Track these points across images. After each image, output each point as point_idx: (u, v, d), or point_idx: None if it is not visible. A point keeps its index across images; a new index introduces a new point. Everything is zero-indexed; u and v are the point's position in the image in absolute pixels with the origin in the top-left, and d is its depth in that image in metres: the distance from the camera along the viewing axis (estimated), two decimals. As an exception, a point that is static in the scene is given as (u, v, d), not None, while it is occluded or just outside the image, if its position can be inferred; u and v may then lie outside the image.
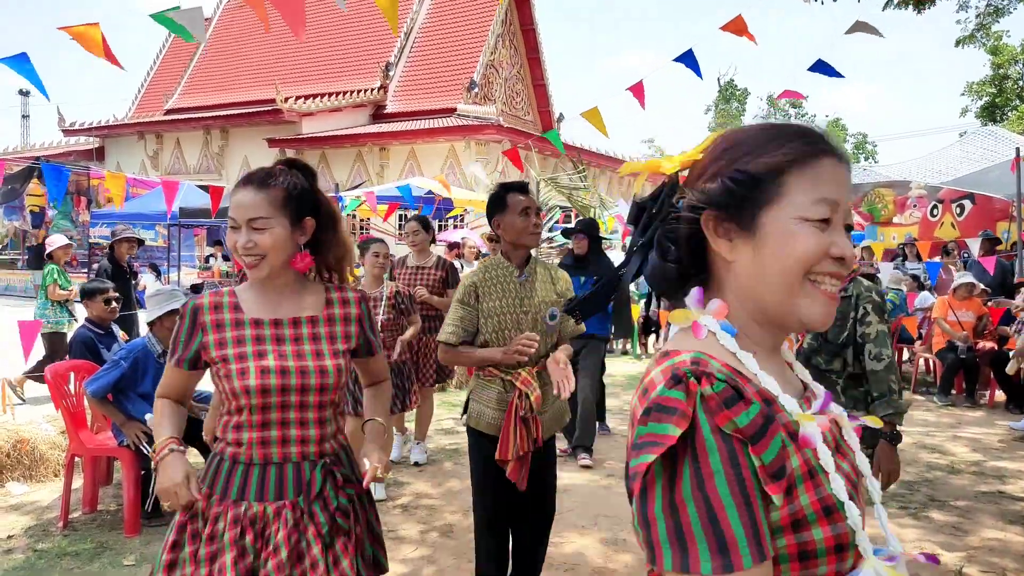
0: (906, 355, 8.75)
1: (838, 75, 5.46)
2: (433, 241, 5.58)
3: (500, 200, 2.89)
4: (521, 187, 2.94)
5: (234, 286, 1.89)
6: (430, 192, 13.06)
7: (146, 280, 13.45)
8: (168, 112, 25.26)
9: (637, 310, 9.27)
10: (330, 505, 1.76)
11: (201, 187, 7.59)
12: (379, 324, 4.09)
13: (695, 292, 0.95)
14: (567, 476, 5.03)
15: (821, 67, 5.47)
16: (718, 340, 0.91)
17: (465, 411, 2.93)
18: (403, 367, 4.65)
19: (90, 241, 17.71)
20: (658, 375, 0.87)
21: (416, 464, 5.16)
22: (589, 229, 5.78)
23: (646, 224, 0.96)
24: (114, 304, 4.81)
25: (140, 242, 7.72)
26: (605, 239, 5.98)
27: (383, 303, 4.54)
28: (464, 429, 5.63)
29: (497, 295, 2.85)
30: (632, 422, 0.89)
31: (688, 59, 5.64)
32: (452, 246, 11.67)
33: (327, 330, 1.84)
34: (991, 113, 28.54)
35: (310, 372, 1.76)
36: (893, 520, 4.27)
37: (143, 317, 4.39)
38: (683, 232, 0.92)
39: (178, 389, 1.88)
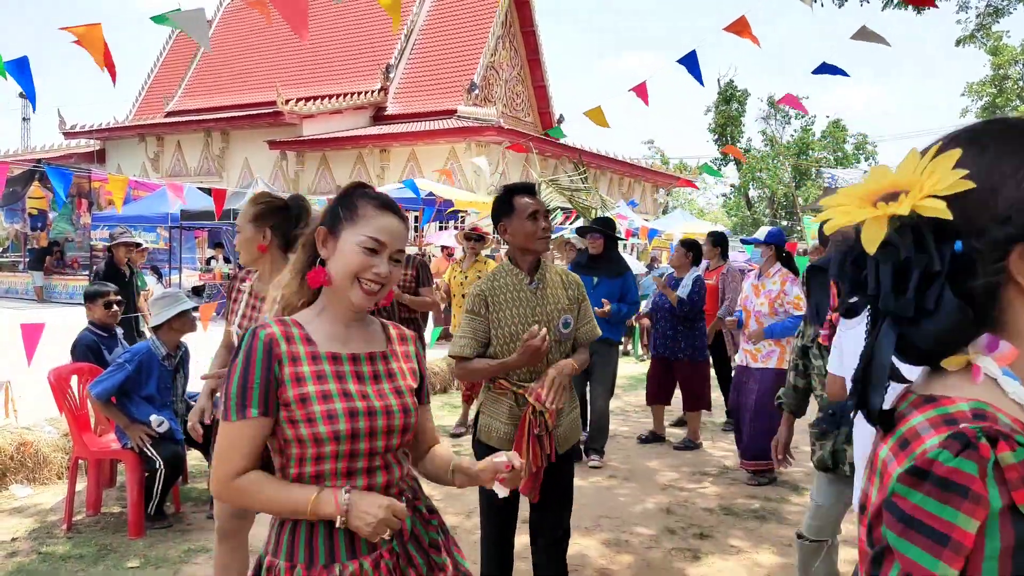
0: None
1: (843, 73, 5.46)
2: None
3: (506, 203, 2.73)
4: (528, 189, 2.77)
5: (294, 315, 1.64)
6: (431, 194, 13.09)
7: (152, 284, 13.45)
8: (169, 114, 25.29)
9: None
10: (423, 542, 1.65)
11: (203, 189, 7.62)
12: None
13: (984, 339, 0.76)
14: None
15: (826, 68, 5.49)
16: (1001, 388, 0.73)
17: (475, 425, 2.80)
18: None
19: (91, 244, 17.71)
20: (924, 426, 0.71)
21: None
22: (605, 228, 5.61)
23: (902, 282, 0.73)
24: (115, 308, 4.82)
25: (137, 245, 7.64)
26: (620, 238, 6.01)
27: None
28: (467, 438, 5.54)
29: (508, 304, 2.69)
30: (881, 473, 0.74)
31: (690, 61, 5.65)
32: (443, 248, 11.65)
33: (397, 366, 1.67)
34: (991, 113, 28.55)
35: (395, 412, 1.59)
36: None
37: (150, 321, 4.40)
38: (983, 280, 0.73)
39: (257, 449, 1.51)
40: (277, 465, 1.55)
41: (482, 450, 2.70)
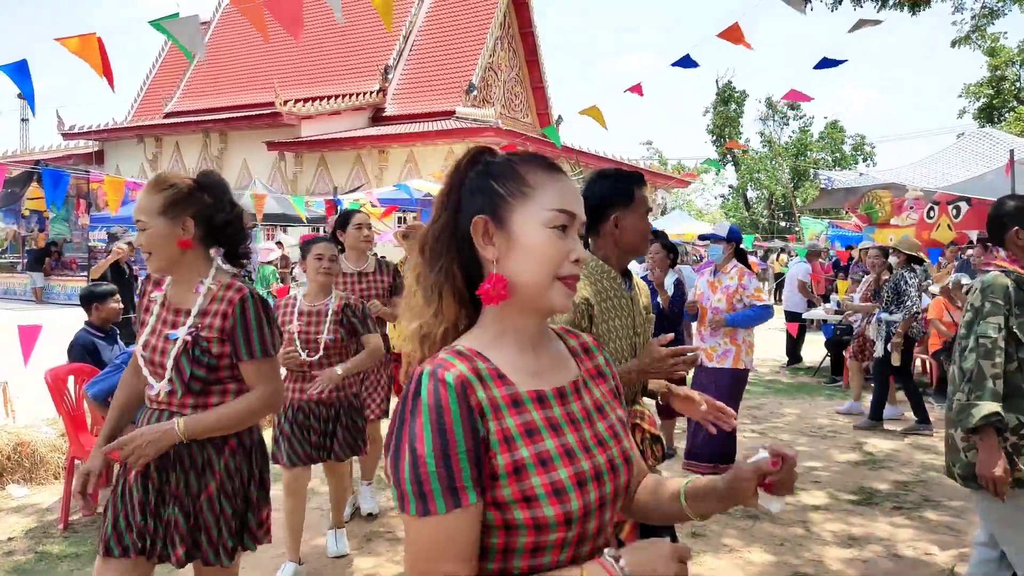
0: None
1: (842, 62, 5.44)
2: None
3: (625, 192, 2.25)
4: (643, 180, 2.34)
5: (459, 338, 1.16)
6: (428, 194, 13.11)
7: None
8: (167, 115, 25.31)
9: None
10: None
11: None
12: (322, 346, 3.46)
13: None
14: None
15: (826, 62, 5.50)
16: None
17: None
18: (355, 400, 3.66)
19: (89, 244, 17.73)
20: None
21: (369, 515, 4.25)
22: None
23: None
24: (117, 305, 4.84)
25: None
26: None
27: (328, 319, 3.51)
28: None
29: (614, 313, 2.24)
30: None
31: (685, 62, 5.70)
32: None
33: (600, 392, 1.23)
34: (988, 114, 28.60)
35: (619, 467, 1.15)
36: (887, 519, 4.31)
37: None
38: None
39: (476, 547, 1.03)
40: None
41: None
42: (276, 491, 3.45)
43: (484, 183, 1.15)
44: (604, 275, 2.26)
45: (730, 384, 4.77)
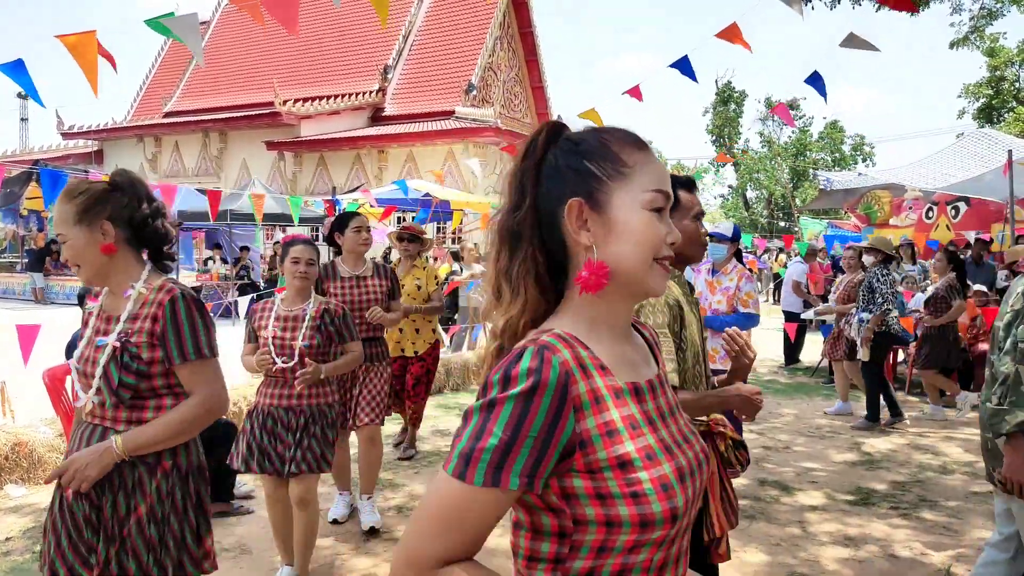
0: (901, 356, 8.79)
1: (824, 94, 5.53)
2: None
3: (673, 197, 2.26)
4: (691, 183, 2.27)
5: (552, 325, 1.07)
6: (427, 194, 13.12)
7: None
8: (167, 115, 25.31)
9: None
10: None
11: (200, 191, 7.65)
12: (297, 352, 3.31)
13: None
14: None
15: (816, 80, 5.55)
16: None
17: None
18: (328, 411, 3.42)
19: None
20: None
21: (372, 530, 4.04)
22: None
23: None
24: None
25: None
26: None
27: (305, 324, 3.37)
28: None
29: (689, 320, 2.18)
30: None
31: (683, 65, 5.70)
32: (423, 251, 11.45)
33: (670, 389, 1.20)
34: (988, 115, 28.61)
35: (703, 465, 1.12)
36: (884, 519, 4.31)
37: None
38: None
39: (488, 533, 1.00)
40: (547, 553, 1.02)
41: None
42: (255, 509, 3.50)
43: (575, 163, 1.07)
44: (676, 280, 2.22)
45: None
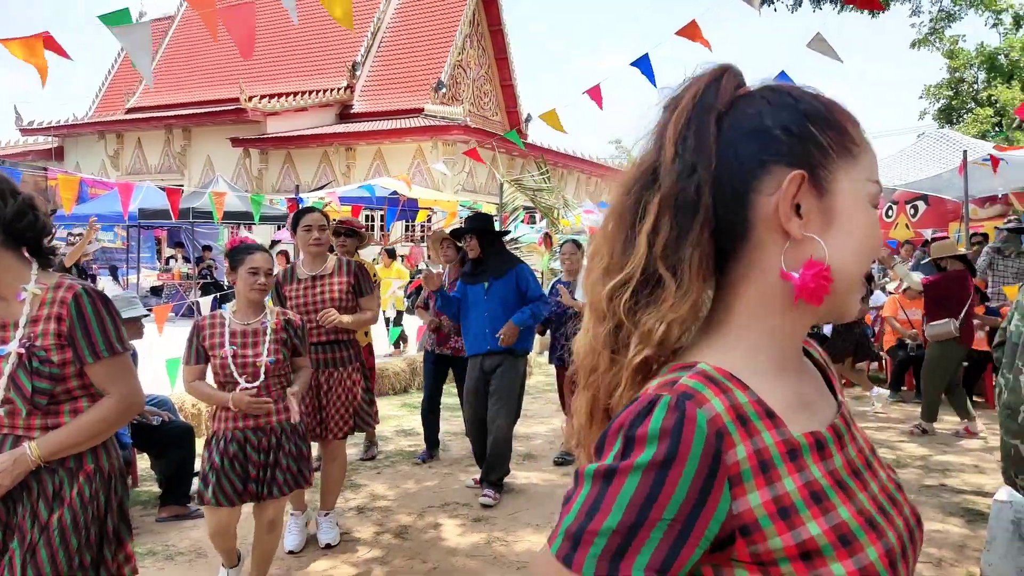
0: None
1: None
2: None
3: None
4: None
5: (691, 348, 0.81)
6: (395, 193, 13.04)
7: (104, 283, 13.22)
8: (129, 111, 24.85)
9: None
10: None
11: (160, 188, 7.52)
12: (262, 370, 3.06)
13: None
14: (522, 476, 5.08)
15: (783, 79, 5.64)
16: None
17: None
18: (298, 425, 3.21)
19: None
20: None
21: (328, 546, 3.83)
22: (477, 224, 4.78)
23: None
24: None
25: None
26: (507, 231, 5.22)
27: (266, 339, 3.09)
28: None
29: None
30: None
31: (644, 64, 5.74)
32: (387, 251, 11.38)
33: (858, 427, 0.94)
34: (948, 116, 29.24)
35: (916, 532, 0.83)
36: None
37: None
38: None
39: None
40: None
41: None
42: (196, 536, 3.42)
43: (794, 123, 0.78)
44: None
45: None
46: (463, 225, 5.03)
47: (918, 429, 6.32)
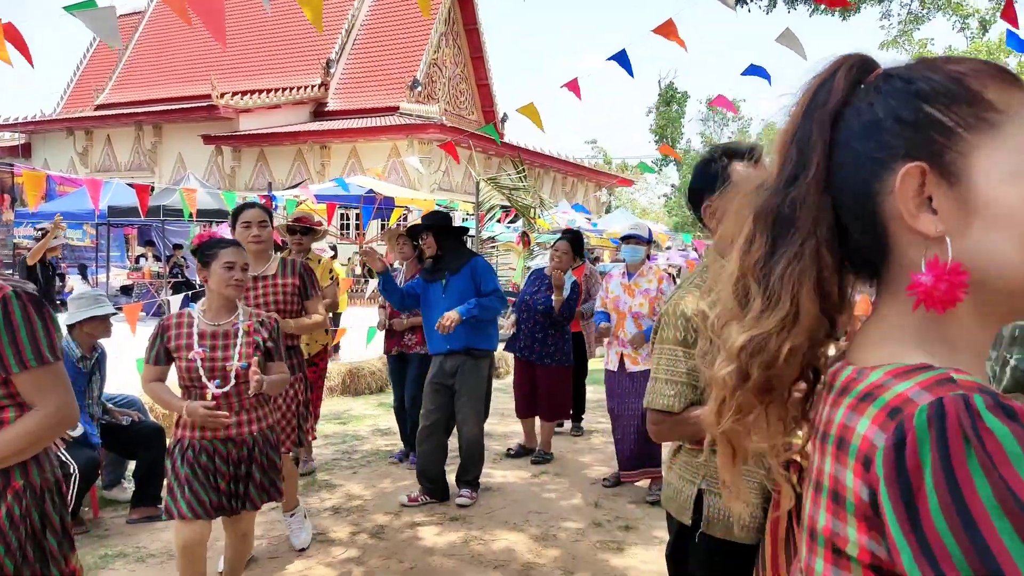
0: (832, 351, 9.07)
1: (766, 77, 5.67)
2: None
3: (717, 173, 1.77)
4: (751, 153, 1.80)
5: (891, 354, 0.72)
6: (371, 191, 12.96)
7: (73, 282, 12.97)
8: (98, 107, 24.43)
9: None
10: None
11: (129, 185, 7.39)
12: (232, 374, 2.82)
13: None
14: (499, 474, 5.07)
15: (754, 71, 5.68)
16: None
17: (698, 511, 1.74)
18: (270, 434, 3.00)
19: (14, 241, 16.97)
20: None
21: (301, 550, 3.75)
22: (433, 222, 4.64)
23: None
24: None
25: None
26: (465, 228, 5.04)
27: (238, 342, 2.85)
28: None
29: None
30: None
31: (621, 59, 5.76)
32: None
33: None
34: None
35: None
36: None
37: (63, 320, 4.21)
38: None
39: None
40: None
41: (720, 555, 1.70)
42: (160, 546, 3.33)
43: (908, 110, 0.71)
44: (699, 286, 1.77)
45: None
46: (420, 222, 4.81)
47: None
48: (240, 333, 2.86)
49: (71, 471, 3.84)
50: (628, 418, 4.64)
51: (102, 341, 4.21)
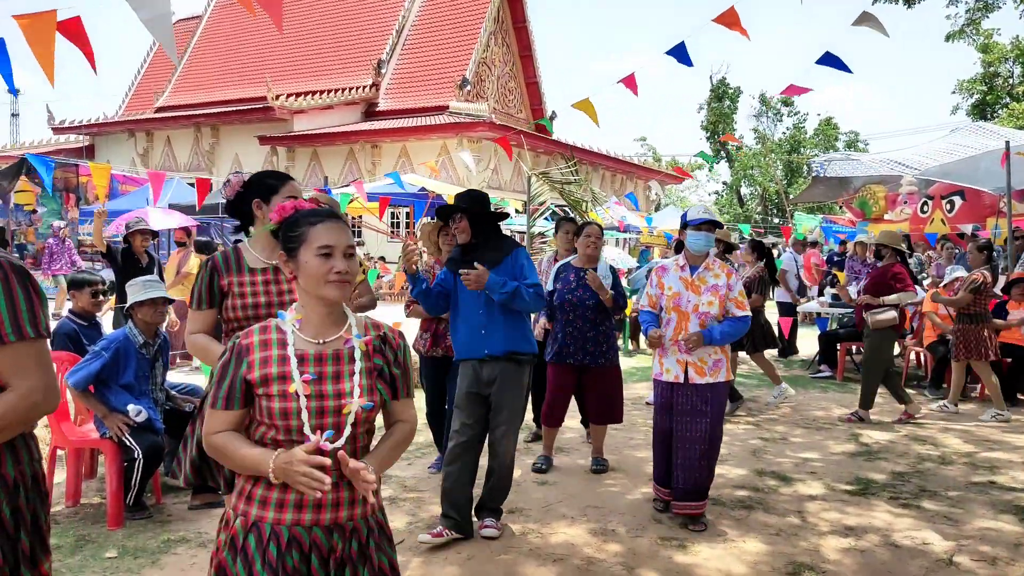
0: (897, 349, 8.74)
1: (847, 69, 5.45)
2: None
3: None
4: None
5: None
6: (423, 189, 13.02)
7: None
8: (158, 110, 25.15)
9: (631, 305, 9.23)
10: None
11: (189, 183, 7.57)
12: (348, 420, 1.79)
13: None
14: (554, 469, 4.98)
15: (829, 60, 5.47)
16: None
17: None
18: (386, 526, 2.12)
19: (78, 238, 17.59)
20: None
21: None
22: (468, 203, 3.82)
23: None
24: (101, 297, 4.75)
25: (154, 234, 8.02)
26: (505, 214, 4.17)
27: (355, 369, 1.83)
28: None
29: None
30: None
31: (679, 52, 5.64)
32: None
33: None
34: (982, 111, 28.67)
35: None
36: (884, 509, 4.25)
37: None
38: None
39: None
40: None
41: None
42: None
43: None
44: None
45: (723, 400, 4.08)
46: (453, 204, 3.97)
47: (855, 417, 6.41)
48: (357, 356, 1.82)
49: (135, 456, 3.91)
50: (693, 440, 3.96)
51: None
